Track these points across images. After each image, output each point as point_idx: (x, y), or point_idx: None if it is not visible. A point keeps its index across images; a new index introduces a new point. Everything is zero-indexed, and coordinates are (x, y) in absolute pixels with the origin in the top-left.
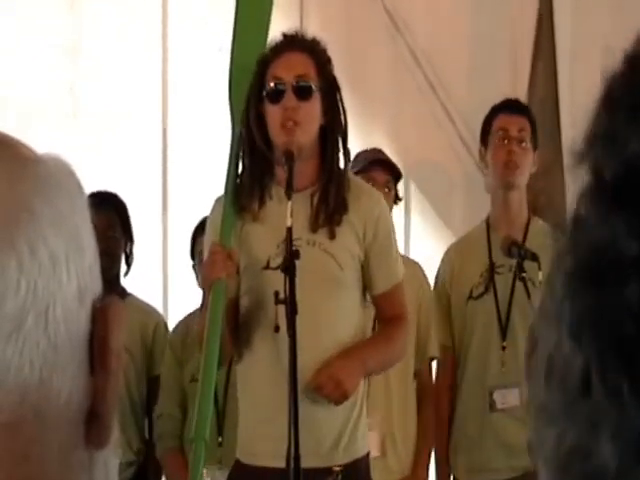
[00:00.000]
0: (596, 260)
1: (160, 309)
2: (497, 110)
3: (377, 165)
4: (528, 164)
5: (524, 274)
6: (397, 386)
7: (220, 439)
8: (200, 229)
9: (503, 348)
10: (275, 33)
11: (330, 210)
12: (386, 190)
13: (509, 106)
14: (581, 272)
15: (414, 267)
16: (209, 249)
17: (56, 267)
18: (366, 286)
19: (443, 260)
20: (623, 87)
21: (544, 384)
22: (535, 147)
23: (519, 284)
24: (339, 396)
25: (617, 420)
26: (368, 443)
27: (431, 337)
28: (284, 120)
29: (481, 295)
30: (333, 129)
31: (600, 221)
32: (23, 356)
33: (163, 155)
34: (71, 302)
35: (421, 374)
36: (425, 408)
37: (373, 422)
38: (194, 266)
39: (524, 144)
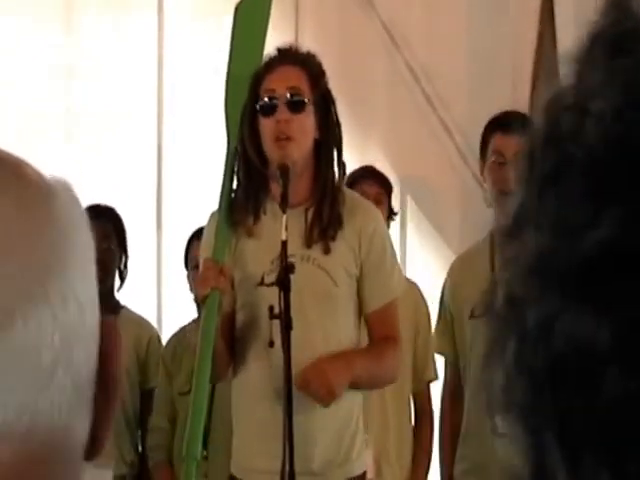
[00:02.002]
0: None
1: (154, 322)
2: (494, 127)
3: (368, 177)
4: None
5: None
6: (393, 406)
7: (205, 453)
8: (194, 238)
9: None
10: (270, 48)
11: (324, 225)
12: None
13: (506, 123)
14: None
15: (411, 288)
16: (202, 264)
17: (82, 313)
18: (360, 303)
19: (448, 274)
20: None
21: None
22: None
23: None
24: (325, 393)
25: None
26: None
27: (429, 360)
28: (277, 133)
29: (482, 314)
30: (328, 143)
31: None
32: (54, 404)
33: (158, 169)
34: (91, 343)
35: (420, 396)
36: (423, 430)
37: (368, 440)
38: (188, 276)
39: None
